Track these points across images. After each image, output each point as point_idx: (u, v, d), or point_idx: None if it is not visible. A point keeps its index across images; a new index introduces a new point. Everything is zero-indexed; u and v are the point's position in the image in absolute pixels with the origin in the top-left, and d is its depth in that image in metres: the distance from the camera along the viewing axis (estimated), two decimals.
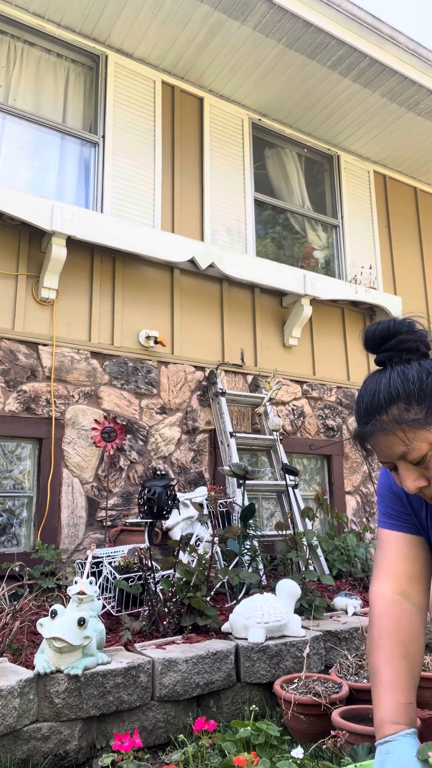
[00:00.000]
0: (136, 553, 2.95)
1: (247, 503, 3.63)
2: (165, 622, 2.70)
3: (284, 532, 3.85)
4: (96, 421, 4.04)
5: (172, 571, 2.95)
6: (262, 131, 5.67)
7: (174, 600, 2.74)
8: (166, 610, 2.74)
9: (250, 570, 3.54)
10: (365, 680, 2.34)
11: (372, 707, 2.01)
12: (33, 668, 2.10)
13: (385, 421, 1.15)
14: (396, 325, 1.23)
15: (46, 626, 2.09)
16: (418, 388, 1.13)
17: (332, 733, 1.85)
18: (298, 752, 1.52)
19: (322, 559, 3.99)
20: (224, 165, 5.23)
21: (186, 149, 5.09)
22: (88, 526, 3.98)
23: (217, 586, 3.11)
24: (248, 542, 3.47)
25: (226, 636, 2.66)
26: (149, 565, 2.83)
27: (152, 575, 2.80)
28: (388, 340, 1.22)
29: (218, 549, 3.53)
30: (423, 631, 1.24)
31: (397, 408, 1.14)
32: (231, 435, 4.28)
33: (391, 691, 1.17)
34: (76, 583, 2.29)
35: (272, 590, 2.83)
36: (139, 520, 3.75)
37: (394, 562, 1.28)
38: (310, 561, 3.84)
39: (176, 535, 3.66)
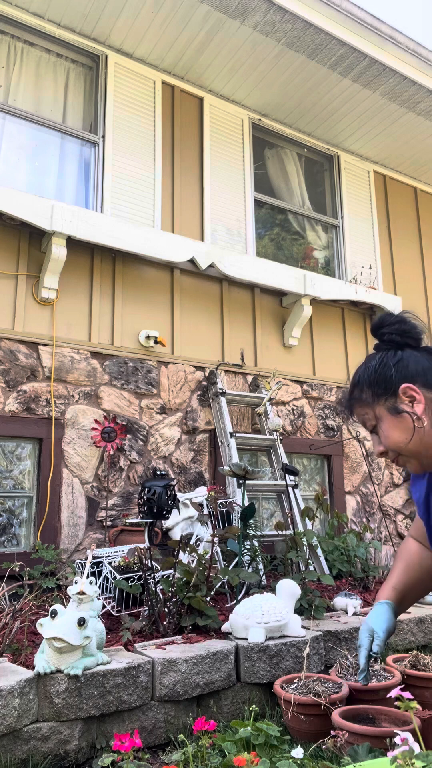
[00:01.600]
0: (136, 553, 2.95)
1: (247, 503, 3.63)
2: (165, 622, 2.70)
3: (284, 532, 3.85)
4: (96, 421, 4.05)
5: (172, 571, 2.95)
6: (262, 131, 5.67)
7: (174, 600, 2.74)
8: (166, 610, 2.74)
9: (250, 570, 3.54)
10: None
11: (372, 707, 2.02)
12: (33, 668, 2.10)
13: (353, 399, 1.51)
14: (385, 319, 1.52)
15: (46, 626, 2.09)
16: (369, 376, 1.47)
17: (332, 733, 1.85)
18: (298, 752, 1.52)
19: (322, 559, 3.99)
20: (224, 165, 5.23)
21: (186, 149, 5.09)
22: (88, 526, 3.98)
23: (217, 586, 3.11)
24: (248, 542, 3.47)
25: (226, 636, 2.66)
26: (149, 565, 2.83)
27: (152, 575, 2.80)
28: (378, 331, 1.53)
29: (218, 549, 3.53)
30: (428, 567, 1.64)
31: (358, 389, 1.49)
32: (231, 435, 4.28)
33: (388, 584, 1.61)
34: (76, 583, 2.29)
35: (272, 590, 2.83)
36: (139, 520, 3.75)
37: (419, 526, 1.69)
38: (310, 561, 3.84)
39: (176, 535, 3.66)
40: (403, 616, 3.13)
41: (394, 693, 1.37)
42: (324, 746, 1.82)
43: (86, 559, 3.26)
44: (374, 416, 1.45)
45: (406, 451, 1.41)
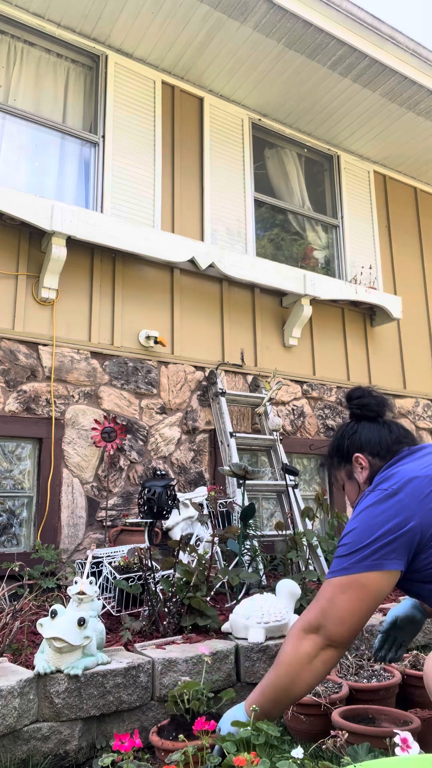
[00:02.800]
0: (136, 553, 2.95)
1: (247, 503, 3.63)
2: (165, 622, 2.70)
3: (284, 532, 3.85)
4: (96, 421, 4.04)
5: (172, 571, 2.95)
6: (262, 131, 5.67)
7: (174, 600, 2.74)
8: (166, 610, 2.74)
9: (250, 570, 3.54)
10: (365, 680, 2.34)
11: (372, 707, 2.02)
12: (33, 668, 2.10)
13: (328, 463, 1.91)
14: (353, 393, 1.89)
15: (46, 626, 2.09)
16: (334, 446, 1.86)
17: (332, 733, 1.85)
18: (298, 752, 1.52)
19: (322, 559, 3.99)
20: (224, 165, 5.23)
21: (186, 149, 5.09)
22: (88, 526, 3.98)
23: (217, 586, 3.11)
24: (248, 542, 3.47)
25: (226, 636, 2.66)
26: (149, 565, 2.83)
27: (152, 575, 2.80)
28: (347, 403, 1.90)
29: (218, 549, 3.53)
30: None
31: (329, 456, 1.89)
32: (231, 435, 4.28)
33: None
34: (76, 583, 2.29)
35: (272, 590, 2.83)
36: (139, 520, 3.75)
37: None
38: (310, 561, 3.84)
39: (176, 535, 3.66)
40: None
41: None
42: (324, 746, 1.82)
43: (86, 559, 3.26)
44: (340, 477, 1.87)
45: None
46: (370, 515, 1.56)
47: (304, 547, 3.80)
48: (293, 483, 4.33)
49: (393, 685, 2.31)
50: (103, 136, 4.66)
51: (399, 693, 2.42)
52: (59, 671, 2.07)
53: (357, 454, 1.75)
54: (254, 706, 1.64)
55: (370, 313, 5.77)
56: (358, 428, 1.80)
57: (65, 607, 2.22)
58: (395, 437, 1.76)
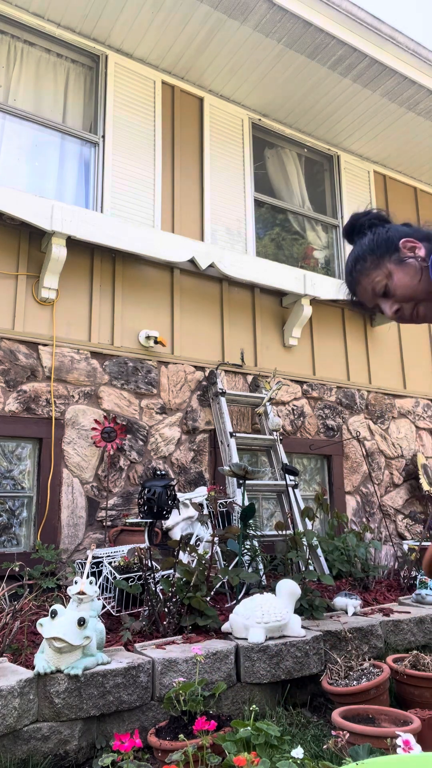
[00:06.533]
0: (136, 553, 2.95)
1: (247, 503, 3.63)
2: (165, 622, 2.70)
3: (284, 532, 3.84)
4: (96, 421, 4.04)
5: (172, 571, 2.95)
6: (262, 131, 5.67)
7: (174, 600, 2.74)
8: (166, 610, 2.74)
9: (250, 570, 3.54)
10: (355, 682, 2.34)
11: (372, 707, 2.02)
12: (33, 668, 2.10)
13: (357, 272, 1.59)
14: (355, 216, 1.65)
15: (46, 626, 2.09)
16: (368, 246, 1.57)
17: (333, 733, 1.85)
18: (298, 752, 1.52)
19: (322, 559, 3.99)
20: (224, 165, 5.23)
21: (186, 149, 5.09)
22: (88, 526, 3.98)
23: (217, 586, 3.11)
24: (248, 542, 3.47)
25: (226, 636, 2.66)
26: (149, 565, 2.83)
27: (152, 575, 2.80)
28: (353, 228, 1.63)
29: (218, 549, 3.52)
30: None
31: (359, 264, 1.59)
32: (231, 435, 4.28)
33: None
34: (76, 583, 2.29)
35: (272, 590, 2.83)
36: (139, 520, 3.75)
37: None
38: (310, 561, 3.84)
39: (176, 535, 3.66)
40: (403, 616, 3.13)
41: None
42: (324, 746, 1.81)
43: (86, 559, 3.25)
44: (384, 275, 1.54)
45: (420, 294, 1.51)
46: None
47: (304, 547, 3.80)
48: (293, 483, 4.33)
49: (383, 681, 2.31)
50: (103, 136, 4.66)
51: (398, 693, 2.42)
52: (59, 671, 2.07)
53: (405, 239, 1.53)
54: None
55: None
56: (390, 226, 1.60)
57: (65, 607, 2.22)
58: (427, 229, 1.60)
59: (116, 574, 2.92)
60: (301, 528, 4.13)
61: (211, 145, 5.19)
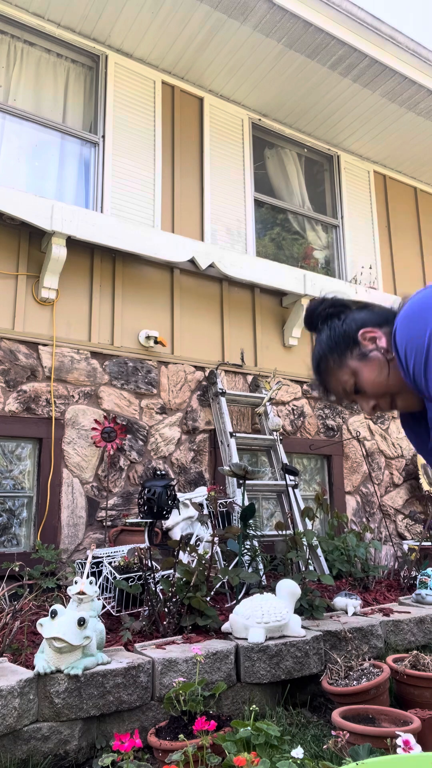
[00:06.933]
0: (136, 553, 2.95)
1: (247, 503, 3.63)
2: (165, 622, 2.70)
3: (284, 532, 3.84)
4: (96, 421, 4.04)
5: (172, 571, 2.94)
6: (262, 131, 5.67)
7: (174, 600, 2.74)
8: (166, 610, 2.74)
9: (250, 570, 3.54)
10: (355, 682, 2.34)
11: (372, 707, 2.02)
12: (33, 668, 2.10)
13: (323, 372, 1.55)
14: (310, 308, 1.60)
15: (46, 626, 2.09)
16: (327, 345, 1.52)
17: (333, 733, 1.85)
18: (298, 752, 1.52)
19: (322, 559, 3.99)
20: (224, 165, 5.23)
21: (186, 149, 5.09)
22: (88, 526, 3.98)
23: (217, 586, 3.11)
24: (248, 542, 3.47)
25: (226, 636, 2.66)
26: (149, 565, 2.83)
27: (152, 575, 2.80)
28: (311, 321, 1.59)
29: (218, 549, 3.52)
30: None
31: (322, 364, 1.54)
32: (231, 435, 4.28)
33: None
34: (76, 583, 2.29)
35: (272, 590, 2.83)
36: (139, 520, 3.75)
37: None
38: (310, 561, 3.84)
39: (176, 535, 3.66)
40: (403, 616, 3.13)
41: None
42: (324, 746, 1.81)
43: (86, 559, 3.25)
44: (349, 373, 1.49)
45: (392, 387, 1.44)
46: None
47: (304, 547, 3.80)
48: (293, 483, 4.33)
49: (383, 681, 2.31)
50: (103, 136, 4.66)
51: (398, 693, 2.42)
52: (59, 671, 2.07)
53: (363, 330, 1.46)
54: None
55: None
56: (347, 316, 1.53)
57: (65, 607, 2.22)
58: (385, 308, 1.54)
59: (116, 574, 2.92)
60: (301, 528, 4.12)
61: (211, 145, 5.19)
